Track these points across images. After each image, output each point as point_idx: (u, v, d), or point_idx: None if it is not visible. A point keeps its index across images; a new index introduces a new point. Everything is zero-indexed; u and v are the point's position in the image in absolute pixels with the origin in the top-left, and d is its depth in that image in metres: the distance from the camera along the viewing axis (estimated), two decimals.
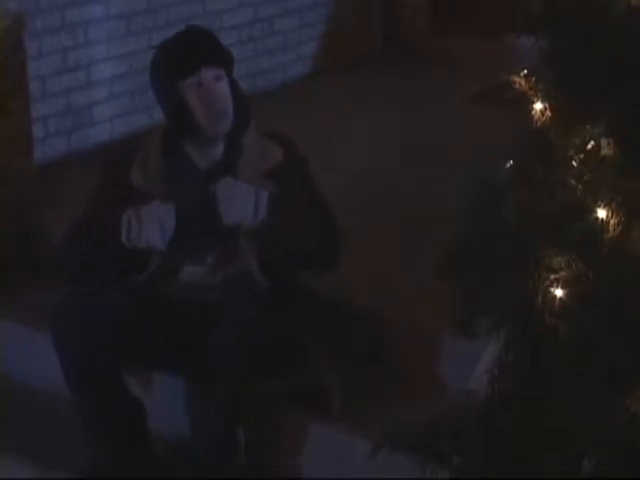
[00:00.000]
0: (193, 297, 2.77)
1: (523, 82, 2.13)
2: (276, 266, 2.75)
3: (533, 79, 2.11)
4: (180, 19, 4.47)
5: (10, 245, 3.62)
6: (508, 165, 2.15)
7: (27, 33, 3.75)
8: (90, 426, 2.83)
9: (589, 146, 2.03)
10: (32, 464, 2.94)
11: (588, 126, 2.01)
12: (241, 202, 2.62)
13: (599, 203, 1.99)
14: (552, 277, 2.02)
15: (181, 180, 2.76)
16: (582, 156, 2.04)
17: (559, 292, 2.02)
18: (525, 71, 2.14)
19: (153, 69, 2.78)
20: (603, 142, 2.01)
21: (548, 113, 2.07)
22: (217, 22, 4.64)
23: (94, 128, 4.26)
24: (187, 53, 2.72)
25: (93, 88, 4.24)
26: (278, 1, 4.92)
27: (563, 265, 2.01)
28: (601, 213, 2.00)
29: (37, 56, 3.99)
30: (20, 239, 3.64)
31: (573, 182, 2.03)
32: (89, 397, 2.78)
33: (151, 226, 2.62)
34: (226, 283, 2.76)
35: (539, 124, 2.08)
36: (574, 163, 2.05)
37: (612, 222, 1.98)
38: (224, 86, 2.71)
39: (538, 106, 2.09)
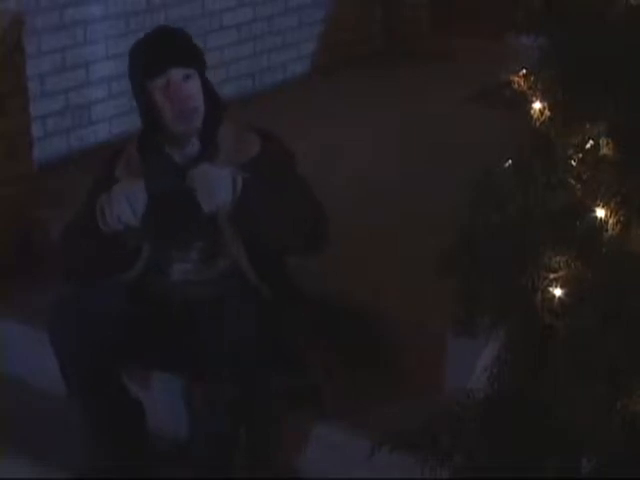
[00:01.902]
0: (186, 295, 2.77)
1: (522, 81, 2.13)
2: (264, 256, 2.74)
3: (532, 78, 2.11)
4: (179, 18, 4.48)
5: (10, 245, 3.62)
6: (507, 164, 2.15)
7: (26, 32, 3.75)
8: (89, 426, 2.83)
9: (588, 145, 2.03)
10: (32, 464, 2.94)
11: (587, 125, 2.01)
12: (218, 187, 2.60)
13: (598, 202, 1.99)
14: (551, 276, 2.02)
15: (159, 176, 2.76)
16: (581, 155, 2.04)
17: (558, 291, 2.02)
18: (524, 70, 2.14)
19: (129, 69, 2.80)
20: (602, 141, 2.01)
21: (547, 112, 2.07)
22: (216, 21, 4.64)
23: (93, 127, 4.26)
24: (155, 54, 2.73)
25: (92, 87, 4.24)
26: (277, 0, 4.92)
27: (562, 264, 2.01)
28: (600, 212, 2.00)
29: (36, 55, 3.99)
30: (20, 239, 3.64)
31: (572, 181, 2.03)
32: (87, 397, 2.78)
33: (120, 204, 2.62)
34: (218, 279, 2.76)
35: (538, 123, 2.08)
36: (573, 162, 2.05)
37: (611, 221, 1.98)
38: (193, 85, 2.71)
39: (537, 105, 2.09)
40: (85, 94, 4.22)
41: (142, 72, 2.73)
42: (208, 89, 2.76)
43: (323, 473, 2.78)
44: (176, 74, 2.70)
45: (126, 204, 2.62)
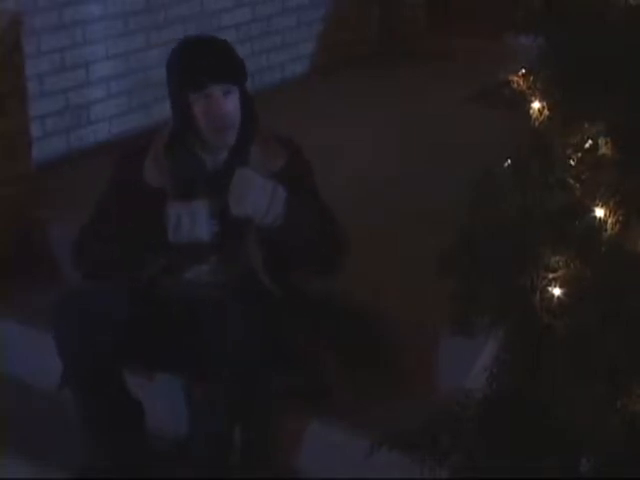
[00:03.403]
0: (196, 295, 2.77)
1: (521, 81, 2.13)
2: (280, 267, 2.75)
3: (531, 78, 2.11)
4: (178, 18, 4.48)
5: (9, 245, 3.62)
6: (506, 164, 2.15)
7: (25, 32, 3.75)
8: (88, 426, 2.83)
9: (587, 145, 2.03)
10: (31, 464, 2.94)
11: (586, 125, 2.02)
12: (255, 195, 2.63)
13: (597, 202, 2.00)
14: (550, 276, 2.02)
15: (188, 178, 2.78)
16: (580, 155, 2.04)
17: (557, 291, 2.02)
18: (523, 70, 2.14)
19: (167, 71, 2.79)
20: (601, 141, 2.01)
21: (546, 112, 2.07)
22: (215, 21, 4.64)
23: (92, 127, 4.26)
24: (197, 68, 2.72)
25: (91, 87, 4.24)
26: (276, 0, 4.92)
27: (561, 264, 2.02)
28: (599, 212, 2.00)
29: (35, 55, 3.99)
30: (19, 239, 3.64)
31: (571, 181, 2.03)
32: (88, 396, 2.78)
33: (203, 222, 2.67)
34: (229, 282, 2.77)
35: (537, 123, 2.08)
36: (572, 162, 2.05)
37: (610, 221, 1.98)
38: (233, 100, 2.72)
39: (536, 105, 2.09)
40: (84, 94, 4.22)
41: (183, 83, 2.72)
42: (246, 102, 2.76)
43: (322, 472, 2.78)
44: (217, 90, 2.70)
45: (209, 224, 2.67)
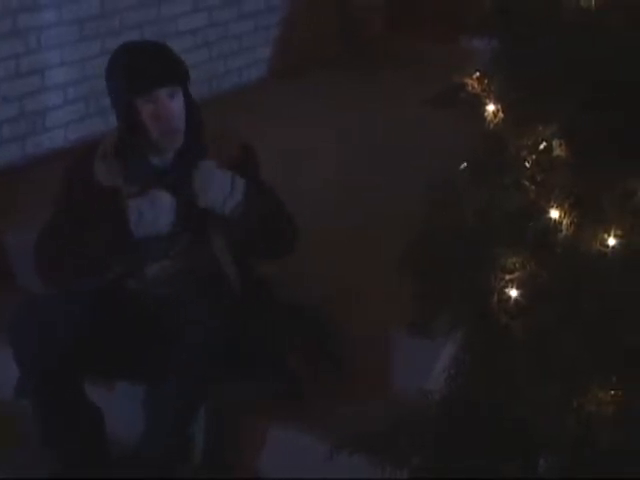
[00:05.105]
0: (159, 293, 2.78)
1: (476, 84, 2.14)
2: (242, 256, 2.78)
3: (485, 81, 2.13)
4: (134, 24, 4.46)
5: None
6: (462, 166, 2.16)
7: None
8: (47, 433, 2.81)
9: (541, 147, 2.05)
10: None
11: (540, 127, 2.03)
12: (216, 186, 2.69)
13: (552, 203, 2.01)
14: (507, 277, 2.04)
15: (137, 177, 2.78)
16: (534, 157, 2.06)
17: (514, 292, 2.04)
18: (477, 73, 2.15)
19: (108, 77, 2.78)
20: (555, 143, 2.03)
21: (500, 114, 2.09)
22: (172, 26, 4.62)
23: (48, 134, 4.23)
24: (143, 72, 2.73)
25: (47, 93, 4.21)
26: (233, 5, 4.91)
27: (517, 265, 2.03)
28: (554, 213, 2.01)
29: None
30: None
31: (526, 183, 2.05)
32: (47, 402, 2.76)
33: (165, 212, 2.71)
34: (192, 275, 2.78)
35: (492, 125, 2.10)
36: (527, 164, 2.06)
37: (565, 222, 2.00)
38: (178, 103, 2.74)
39: (491, 107, 2.11)
40: (40, 100, 4.19)
41: (128, 89, 2.73)
42: (190, 102, 2.78)
43: (282, 474, 2.78)
44: (163, 93, 2.72)
45: (169, 215, 2.70)
